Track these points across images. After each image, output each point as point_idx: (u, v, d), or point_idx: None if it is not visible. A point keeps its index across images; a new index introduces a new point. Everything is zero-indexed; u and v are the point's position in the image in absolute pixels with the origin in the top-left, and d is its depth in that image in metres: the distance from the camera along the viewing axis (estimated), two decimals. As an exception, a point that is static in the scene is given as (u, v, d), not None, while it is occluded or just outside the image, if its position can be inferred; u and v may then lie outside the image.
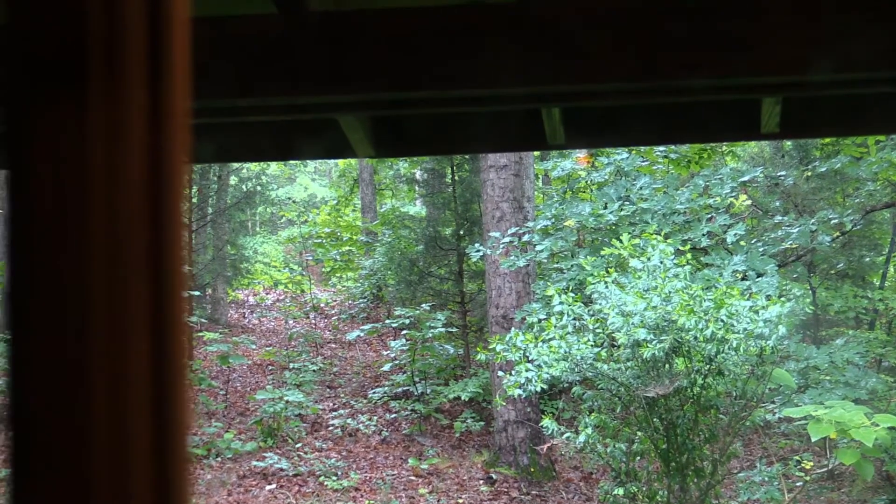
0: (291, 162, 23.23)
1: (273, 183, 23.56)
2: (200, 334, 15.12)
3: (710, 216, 10.62)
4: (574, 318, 8.64)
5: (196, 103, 0.84)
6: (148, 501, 0.78)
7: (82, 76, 0.78)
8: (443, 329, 13.87)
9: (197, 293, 17.69)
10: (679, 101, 3.34)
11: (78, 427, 0.77)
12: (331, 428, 13.00)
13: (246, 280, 21.43)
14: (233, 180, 19.89)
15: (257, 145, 3.75)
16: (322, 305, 20.12)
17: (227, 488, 11.20)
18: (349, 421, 13.14)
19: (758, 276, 9.46)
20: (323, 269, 22.47)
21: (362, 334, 15.87)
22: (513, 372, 9.06)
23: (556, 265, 12.17)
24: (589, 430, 8.51)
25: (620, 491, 8.45)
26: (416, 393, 13.72)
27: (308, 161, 24.35)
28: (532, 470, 11.64)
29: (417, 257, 16.01)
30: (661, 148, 12.02)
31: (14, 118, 0.79)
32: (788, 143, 13.34)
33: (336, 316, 19.28)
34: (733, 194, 11.12)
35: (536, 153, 13.20)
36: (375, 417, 13.37)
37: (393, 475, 11.68)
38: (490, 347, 9.64)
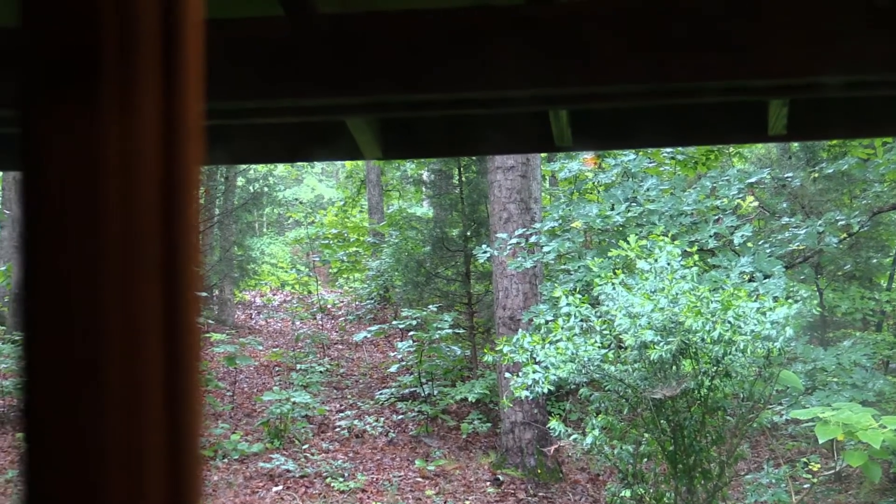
0: (298, 163, 23.26)
1: (280, 184, 23.56)
2: (207, 335, 15.13)
3: (717, 217, 10.61)
4: (581, 320, 8.63)
5: (204, 106, 0.85)
6: (161, 502, 0.79)
7: (95, 78, 0.78)
8: (450, 330, 13.86)
9: (204, 294, 17.71)
10: (686, 103, 3.34)
11: (91, 428, 0.77)
12: (337, 429, 12.99)
13: (253, 281, 21.43)
14: (240, 181, 19.90)
15: (265, 147, 3.75)
16: (329, 306, 20.12)
17: (234, 490, 11.21)
18: (356, 422, 13.14)
19: (765, 278, 9.44)
20: (330, 271, 22.47)
21: (369, 335, 15.87)
22: (520, 373, 9.06)
23: (563, 266, 12.17)
24: (596, 432, 8.50)
25: (627, 493, 8.43)
26: (422, 394, 13.70)
27: (315, 162, 24.36)
28: (539, 471, 11.63)
29: (424, 258, 15.99)
30: (668, 149, 12.01)
31: (27, 120, 0.79)
32: (796, 144, 13.31)
33: (343, 317, 19.28)
34: (740, 196, 11.10)
35: (543, 154, 13.20)
36: (382, 419, 13.37)
37: (400, 476, 11.68)
38: (497, 349, 9.63)
